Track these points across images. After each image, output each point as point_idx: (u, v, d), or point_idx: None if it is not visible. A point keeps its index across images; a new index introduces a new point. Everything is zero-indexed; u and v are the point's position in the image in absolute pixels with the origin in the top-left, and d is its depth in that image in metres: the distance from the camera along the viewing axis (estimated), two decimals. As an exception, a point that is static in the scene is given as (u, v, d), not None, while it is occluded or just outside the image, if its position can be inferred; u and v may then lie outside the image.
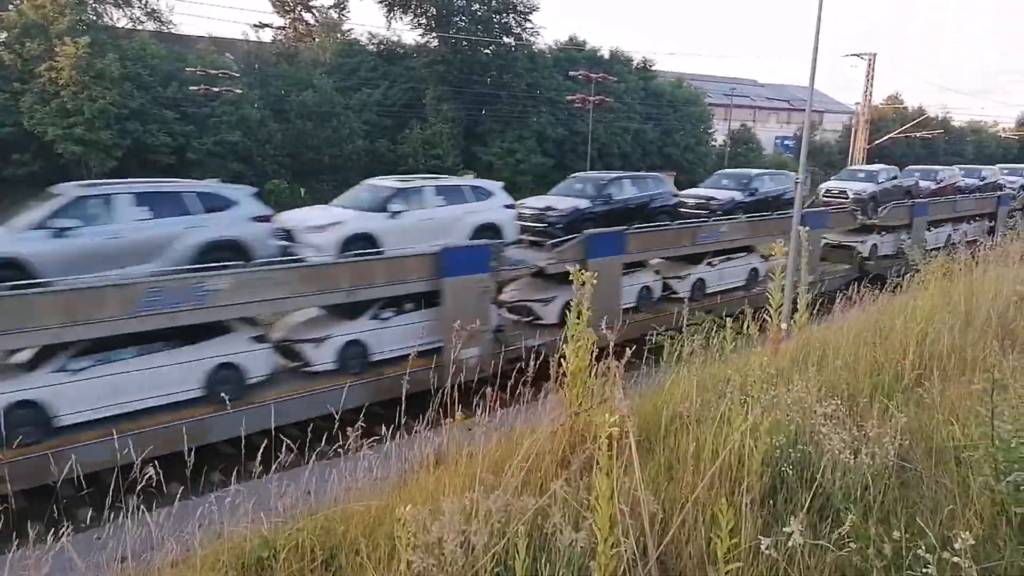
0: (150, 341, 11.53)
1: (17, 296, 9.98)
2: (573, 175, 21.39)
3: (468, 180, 17.23)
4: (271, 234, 13.01)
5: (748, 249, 22.02)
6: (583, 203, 18.11)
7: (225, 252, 12.07)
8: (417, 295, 14.34)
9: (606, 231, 17.08)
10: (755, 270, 22.04)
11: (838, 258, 25.23)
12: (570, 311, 4.75)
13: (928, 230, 26.93)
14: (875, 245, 25.87)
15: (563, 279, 16.31)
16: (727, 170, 22.61)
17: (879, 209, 25.19)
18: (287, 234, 13.48)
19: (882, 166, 29.08)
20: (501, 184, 17.01)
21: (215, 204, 12.36)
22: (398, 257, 13.86)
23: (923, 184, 28.89)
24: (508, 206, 16.31)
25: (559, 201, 18.26)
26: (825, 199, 25.68)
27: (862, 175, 27.24)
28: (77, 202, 11.11)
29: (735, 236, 20.73)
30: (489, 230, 15.42)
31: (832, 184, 26.97)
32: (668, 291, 19.84)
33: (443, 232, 14.56)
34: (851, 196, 25.20)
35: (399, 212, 14.23)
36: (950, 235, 28.23)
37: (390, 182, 15.41)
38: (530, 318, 16.96)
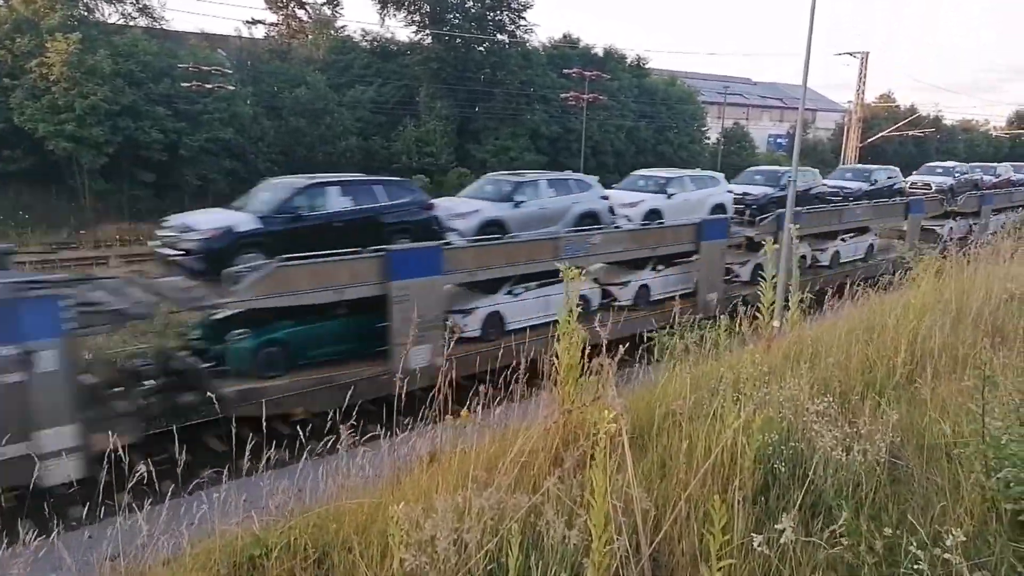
0: (540, 278, 16.67)
1: (503, 244, 16.00)
2: (750, 168, 27.15)
3: (704, 172, 22.43)
4: (608, 208, 18.63)
5: (865, 229, 26.65)
6: (770, 190, 22.95)
7: (588, 219, 17.96)
8: (666, 255, 19.81)
9: (720, 218, 22.16)
10: (872, 245, 27.14)
11: (924, 239, 28.79)
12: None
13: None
14: (951, 228, 29.95)
15: (755, 246, 21.50)
16: (760, 167, 27.37)
17: (957, 198, 30.10)
18: (611, 209, 18.68)
19: (955, 163, 34.63)
20: (723, 175, 22.59)
21: (582, 187, 18.51)
22: (679, 226, 19.69)
23: (985, 178, 33.89)
24: (728, 191, 21.79)
25: (752, 188, 23.15)
26: (911, 190, 30.37)
27: (940, 170, 32.44)
28: (521, 185, 17.19)
29: (864, 217, 25.90)
30: (720, 208, 21.01)
31: (916, 178, 31.86)
32: (815, 261, 24.49)
33: (695, 209, 20.01)
34: (934, 188, 30.18)
35: (673, 195, 20.01)
36: (1004, 222, 31.03)
37: (661, 172, 21.53)
38: (729, 276, 21.77)
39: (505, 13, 50.14)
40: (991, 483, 3.56)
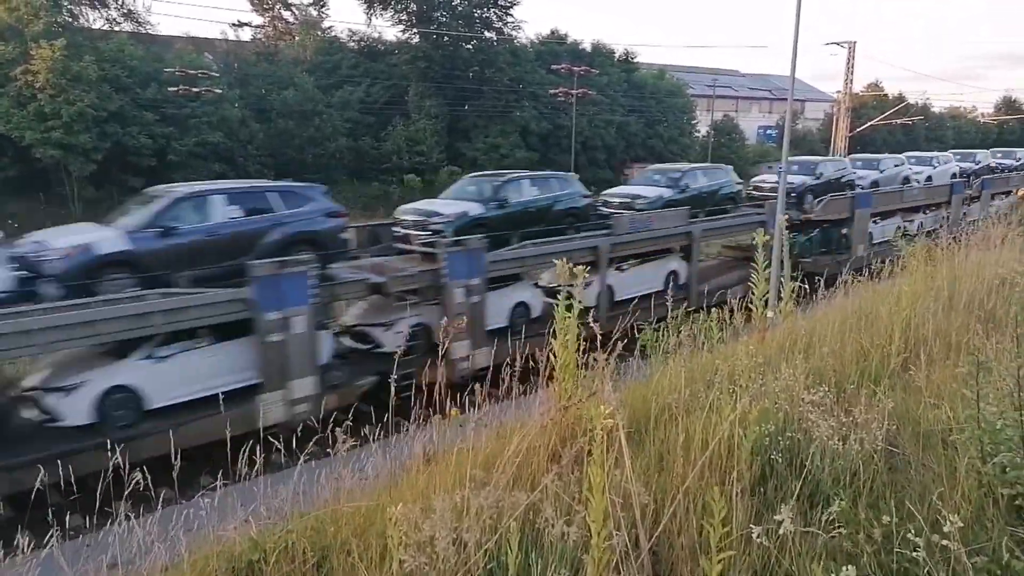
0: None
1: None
2: (953, 150, 38.07)
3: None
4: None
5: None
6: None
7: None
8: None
9: (959, 181, 31.82)
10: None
11: None
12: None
13: None
14: None
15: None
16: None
17: None
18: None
19: None
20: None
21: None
22: (940, 185, 30.88)
23: None
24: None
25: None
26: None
27: None
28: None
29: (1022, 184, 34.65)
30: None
31: None
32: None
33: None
34: None
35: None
36: None
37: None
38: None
39: (492, 10, 50.08)
40: (987, 468, 3.56)
